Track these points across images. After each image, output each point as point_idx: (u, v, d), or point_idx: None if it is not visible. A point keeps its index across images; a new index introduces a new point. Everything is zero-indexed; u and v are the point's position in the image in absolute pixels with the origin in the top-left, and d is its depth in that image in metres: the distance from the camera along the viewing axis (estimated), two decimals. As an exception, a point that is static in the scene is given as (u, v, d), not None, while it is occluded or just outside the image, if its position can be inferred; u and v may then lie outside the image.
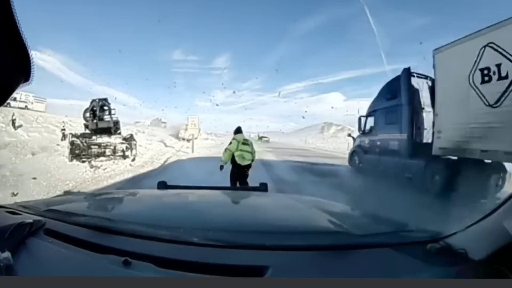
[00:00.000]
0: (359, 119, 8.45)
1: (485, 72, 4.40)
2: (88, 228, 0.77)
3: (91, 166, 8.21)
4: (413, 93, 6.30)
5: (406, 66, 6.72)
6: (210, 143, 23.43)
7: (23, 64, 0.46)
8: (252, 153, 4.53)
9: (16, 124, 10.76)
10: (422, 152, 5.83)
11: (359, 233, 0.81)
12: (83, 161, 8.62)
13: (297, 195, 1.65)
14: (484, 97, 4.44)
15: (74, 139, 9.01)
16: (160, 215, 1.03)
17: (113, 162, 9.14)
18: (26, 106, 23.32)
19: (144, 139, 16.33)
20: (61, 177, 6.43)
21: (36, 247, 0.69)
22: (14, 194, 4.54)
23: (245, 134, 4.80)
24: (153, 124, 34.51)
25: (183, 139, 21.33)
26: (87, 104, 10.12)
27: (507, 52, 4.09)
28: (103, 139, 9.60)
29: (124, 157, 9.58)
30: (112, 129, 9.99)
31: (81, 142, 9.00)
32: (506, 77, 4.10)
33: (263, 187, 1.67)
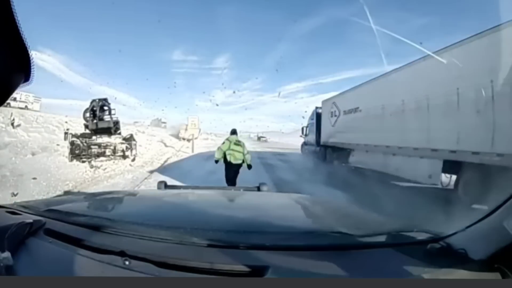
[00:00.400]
0: (302, 128, 15.15)
1: (331, 113, 11.12)
2: (88, 228, 0.77)
3: (91, 166, 8.22)
4: (319, 117, 12.95)
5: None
6: (210, 143, 23.37)
7: (23, 64, 0.46)
8: (244, 154, 4.73)
9: (16, 124, 10.74)
10: (319, 143, 12.50)
11: (359, 233, 0.81)
12: (83, 161, 8.62)
13: (297, 195, 1.64)
14: (331, 122, 11.08)
15: (74, 139, 9.01)
16: (160, 215, 1.03)
17: (113, 162, 9.15)
18: (26, 106, 23.29)
19: (144, 139, 16.31)
20: (61, 177, 6.44)
21: (36, 247, 0.69)
22: (14, 194, 4.53)
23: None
24: (153, 124, 34.34)
25: (183, 139, 21.33)
26: (87, 104, 10.12)
27: (337, 106, 10.62)
28: (103, 139, 9.60)
29: (124, 157, 9.59)
30: (112, 129, 9.98)
31: (81, 142, 8.99)
32: (336, 115, 10.72)
33: (263, 187, 1.67)
